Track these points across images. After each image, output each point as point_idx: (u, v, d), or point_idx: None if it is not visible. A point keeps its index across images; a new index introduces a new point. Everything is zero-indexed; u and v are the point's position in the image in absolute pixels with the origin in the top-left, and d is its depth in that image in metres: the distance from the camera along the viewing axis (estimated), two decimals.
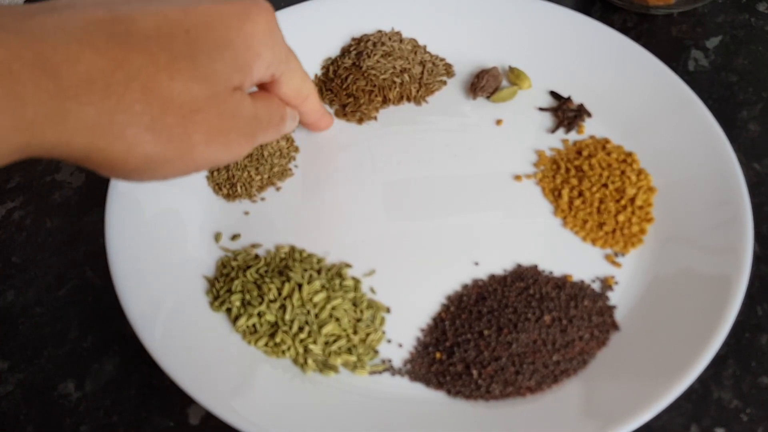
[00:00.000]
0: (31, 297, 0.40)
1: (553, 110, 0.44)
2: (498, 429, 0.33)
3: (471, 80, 0.46)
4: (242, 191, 0.41)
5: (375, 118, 0.45)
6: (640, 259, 0.38)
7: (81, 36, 0.25)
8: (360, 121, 0.44)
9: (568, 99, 0.44)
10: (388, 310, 0.37)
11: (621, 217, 0.39)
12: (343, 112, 0.45)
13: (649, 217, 0.39)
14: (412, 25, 0.47)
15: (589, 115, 0.44)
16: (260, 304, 0.36)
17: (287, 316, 0.35)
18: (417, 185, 0.41)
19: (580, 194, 0.40)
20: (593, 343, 0.35)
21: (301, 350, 0.35)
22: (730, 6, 0.51)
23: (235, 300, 0.36)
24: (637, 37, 0.48)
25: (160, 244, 0.38)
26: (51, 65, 0.24)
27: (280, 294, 0.36)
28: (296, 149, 0.43)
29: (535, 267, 0.38)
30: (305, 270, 0.37)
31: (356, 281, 0.38)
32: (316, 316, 0.36)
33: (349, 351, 0.35)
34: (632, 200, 0.40)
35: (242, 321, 0.36)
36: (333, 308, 0.36)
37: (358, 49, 0.46)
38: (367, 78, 0.45)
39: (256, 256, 0.39)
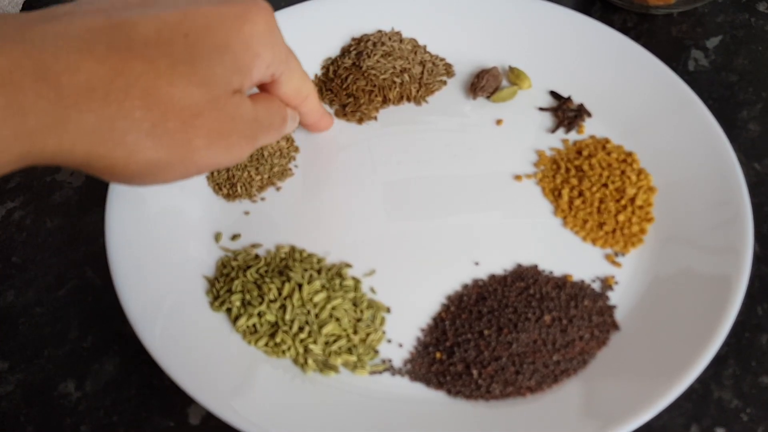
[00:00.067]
0: (31, 297, 0.40)
1: (553, 110, 0.44)
2: (498, 429, 0.33)
3: (471, 80, 0.46)
4: (242, 191, 0.41)
5: (375, 118, 0.45)
6: (640, 259, 0.38)
7: (81, 44, 0.25)
8: (360, 121, 0.44)
9: (568, 99, 0.44)
10: (388, 310, 0.37)
11: (621, 217, 0.39)
12: (343, 112, 0.45)
13: (649, 216, 0.39)
14: (412, 25, 0.47)
15: (589, 115, 0.44)
16: (260, 304, 0.36)
17: (287, 316, 0.35)
18: (417, 185, 0.42)
19: (580, 194, 0.40)
20: (593, 343, 0.35)
21: (301, 350, 0.35)
22: (730, 6, 0.51)
23: (236, 300, 0.36)
24: (637, 37, 0.48)
25: (160, 244, 0.38)
26: (51, 74, 0.24)
27: (280, 294, 0.36)
28: (296, 149, 0.43)
29: (535, 267, 0.38)
30: (305, 270, 0.37)
31: (356, 281, 0.38)
32: (317, 316, 0.36)
33: (350, 351, 0.35)
34: (632, 200, 0.40)
35: (242, 321, 0.36)
36: (333, 308, 0.36)
37: (358, 49, 0.46)
38: (367, 78, 0.45)
39: (257, 256, 0.39)
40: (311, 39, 0.46)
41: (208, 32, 0.28)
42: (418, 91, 0.45)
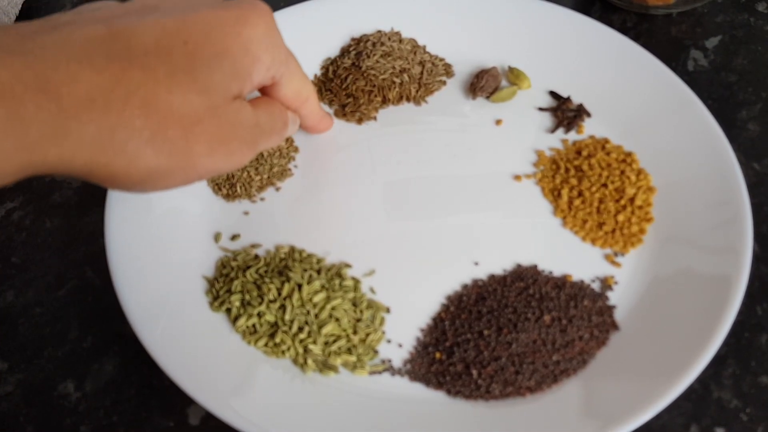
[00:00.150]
0: (31, 297, 0.40)
1: (553, 110, 0.44)
2: (498, 429, 0.33)
3: (470, 80, 0.46)
4: (242, 191, 0.41)
5: (374, 118, 0.45)
6: (639, 259, 0.38)
7: (80, 55, 0.25)
8: (359, 121, 0.44)
9: (568, 99, 0.44)
10: (387, 310, 0.37)
11: (620, 217, 0.39)
12: (342, 113, 0.45)
13: (648, 216, 0.39)
14: (412, 25, 0.47)
15: (588, 115, 0.44)
16: (260, 304, 0.36)
17: (287, 317, 0.35)
18: (417, 185, 0.42)
19: (580, 194, 0.40)
20: (593, 343, 0.35)
21: (300, 350, 0.35)
22: (729, 6, 0.51)
23: (235, 300, 0.36)
24: (637, 37, 0.48)
25: (160, 244, 0.38)
26: (52, 86, 0.24)
27: (279, 294, 0.36)
28: (296, 149, 0.43)
29: (534, 267, 0.38)
30: (305, 270, 0.37)
31: (356, 281, 0.38)
32: (316, 316, 0.36)
33: (349, 351, 0.35)
34: (632, 200, 0.40)
35: (242, 321, 0.36)
36: (333, 308, 0.36)
37: (358, 49, 0.46)
38: (366, 78, 0.45)
39: (256, 256, 0.39)
40: (311, 39, 0.46)
41: (208, 38, 0.28)
42: (417, 92, 0.45)
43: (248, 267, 0.37)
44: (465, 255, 0.39)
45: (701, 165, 0.39)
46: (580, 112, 0.44)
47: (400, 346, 0.36)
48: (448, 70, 0.46)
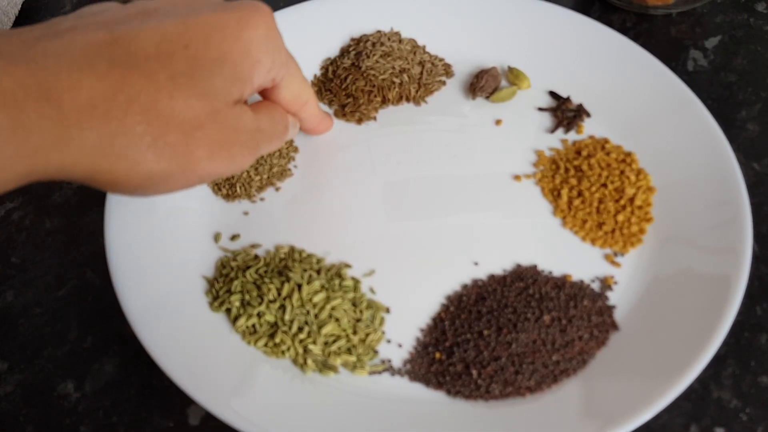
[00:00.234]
0: (31, 297, 0.40)
1: (553, 110, 0.44)
2: (498, 429, 0.33)
3: (470, 80, 0.46)
4: (241, 191, 0.41)
5: (374, 118, 0.45)
6: (639, 259, 0.38)
7: (82, 62, 0.25)
8: (359, 121, 0.44)
9: (567, 99, 0.44)
10: (387, 311, 0.37)
11: (620, 217, 0.39)
12: (342, 113, 0.45)
13: (648, 216, 0.39)
14: (411, 26, 0.47)
15: (588, 115, 0.44)
16: (260, 304, 0.36)
17: (287, 317, 0.35)
18: (416, 185, 0.42)
19: (580, 194, 0.40)
20: (593, 343, 0.35)
21: (300, 350, 0.35)
22: (728, 6, 0.51)
23: (235, 300, 0.36)
24: (636, 37, 0.48)
25: (160, 245, 0.38)
26: (53, 93, 0.24)
27: (279, 294, 0.36)
28: (295, 149, 0.43)
29: (534, 267, 0.38)
30: (305, 270, 0.37)
31: (356, 281, 0.38)
32: (316, 316, 0.36)
33: (349, 351, 0.35)
34: (631, 200, 0.40)
35: (242, 321, 0.36)
36: (332, 308, 0.36)
37: (357, 49, 0.46)
38: (366, 78, 0.45)
39: (256, 257, 0.39)
40: (310, 39, 0.46)
41: (208, 42, 0.28)
42: (417, 92, 0.45)
43: (248, 267, 0.37)
44: (465, 255, 0.39)
45: (701, 165, 0.39)
46: (580, 112, 0.44)
47: (400, 346, 0.36)
48: (447, 70, 0.46)
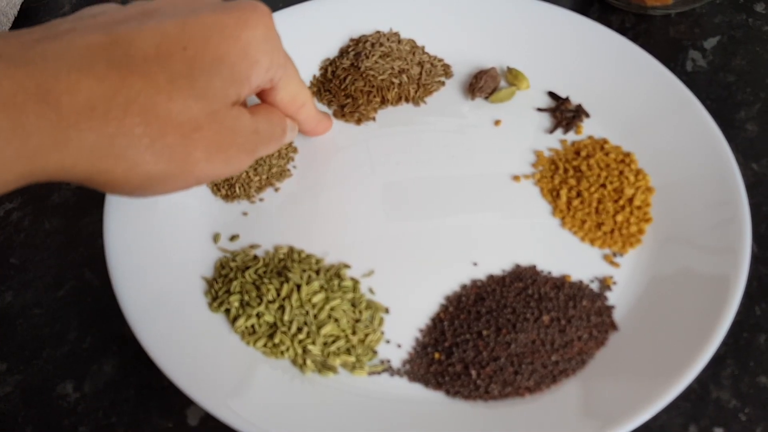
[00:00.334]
0: (30, 298, 0.40)
1: (552, 111, 0.44)
2: (497, 429, 0.33)
3: (469, 81, 0.46)
4: (241, 192, 0.41)
5: (373, 118, 0.45)
6: (638, 259, 0.38)
7: (81, 63, 0.25)
8: (358, 121, 0.44)
9: (567, 99, 0.44)
10: (386, 311, 0.37)
11: (619, 218, 0.39)
12: (341, 113, 0.45)
13: (647, 217, 0.39)
14: (411, 26, 0.47)
15: (587, 115, 0.44)
16: (259, 304, 0.36)
17: (286, 317, 0.35)
18: (415, 186, 0.42)
19: (579, 194, 0.40)
20: (592, 343, 0.35)
21: (299, 351, 0.35)
22: (727, 6, 0.51)
23: (234, 301, 0.36)
24: (635, 38, 0.48)
25: (159, 245, 0.38)
26: (52, 95, 0.24)
27: (278, 295, 0.36)
28: (294, 150, 0.43)
29: (533, 267, 0.38)
30: (304, 271, 0.37)
31: (355, 282, 0.38)
32: (315, 316, 0.36)
33: (348, 351, 0.35)
34: (630, 200, 0.40)
35: (241, 322, 0.36)
36: (332, 309, 0.36)
37: (357, 49, 0.46)
38: (365, 79, 0.45)
39: (255, 257, 0.39)
40: (309, 40, 0.46)
41: (207, 43, 0.28)
42: (416, 92, 0.45)
43: (247, 267, 0.37)
44: (464, 255, 0.39)
45: (700, 165, 0.39)
46: (579, 113, 0.44)
47: (399, 346, 0.36)
48: (446, 71, 0.46)
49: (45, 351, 0.38)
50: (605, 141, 0.43)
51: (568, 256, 0.39)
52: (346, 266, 0.38)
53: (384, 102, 0.45)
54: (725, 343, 0.36)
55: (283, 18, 0.45)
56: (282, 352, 0.35)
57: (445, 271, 0.38)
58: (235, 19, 0.29)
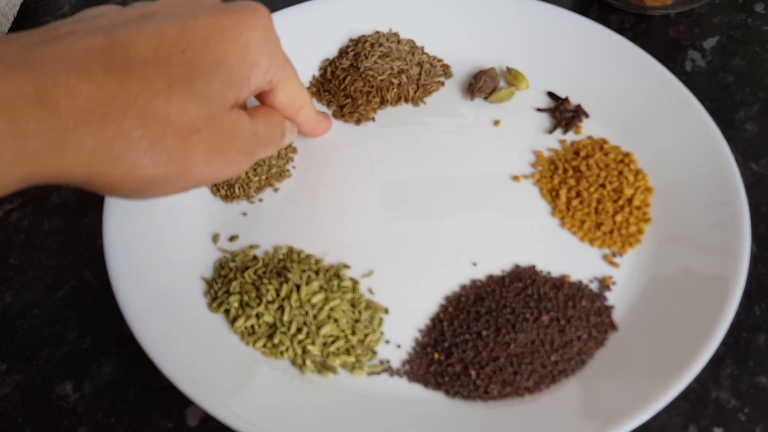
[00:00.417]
0: (29, 298, 0.40)
1: (551, 111, 0.44)
2: (496, 429, 0.33)
3: (468, 81, 0.46)
4: (240, 192, 0.41)
5: (373, 119, 0.45)
6: (637, 260, 0.38)
7: (80, 67, 0.25)
8: (358, 122, 0.44)
9: (566, 100, 0.44)
10: (386, 311, 0.37)
11: (619, 218, 0.39)
12: (340, 113, 0.45)
13: (646, 217, 0.39)
14: (410, 26, 0.47)
15: (586, 115, 0.44)
16: (258, 305, 0.36)
17: (285, 317, 0.35)
18: (415, 186, 0.42)
19: (578, 195, 0.40)
20: (591, 344, 0.35)
21: (299, 351, 0.35)
22: (727, 7, 0.51)
23: (234, 301, 0.36)
24: (635, 38, 0.48)
25: (158, 246, 0.38)
26: (51, 99, 0.24)
27: (278, 295, 0.36)
28: (294, 150, 0.43)
29: (533, 267, 0.38)
30: (303, 271, 0.37)
31: (354, 282, 0.38)
32: (315, 317, 0.36)
33: (348, 352, 0.35)
34: (630, 200, 0.40)
35: (240, 322, 0.36)
36: (331, 309, 0.36)
37: (356, 50, 0.46)
38: (364, 79, 0.45)
39: (254, 257, 0.39)
40: (309, 40, 0.46)
41: (206, 46, 0.28)
42: (415, 92, 0.45)
43: (247, 268, 0.37)
44: (463, 255, 0.39)
45: (699, 165, 0.39)
46: (578, 113, 0.44)
47: (399, 346, 0.36)
48: (446, 71, 0.46)
49: (44, 351, 0.38)
50: (604, 141, 0.43)
51: (568, 256, 0.39)
52: (346, 266, 0.38)
53: (383, 102, 0.45)
54: (725, 343, 0.36)
55: (282, 18, 0.45)
56: (281, 353, 0.35)
57: (445, 271, 0.38)
58: (234, 20, 0.29)
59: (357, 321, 0.36)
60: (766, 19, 0.51)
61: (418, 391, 0.35)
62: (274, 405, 0.33)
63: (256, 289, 0.36)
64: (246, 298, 0.36)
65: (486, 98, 0.45)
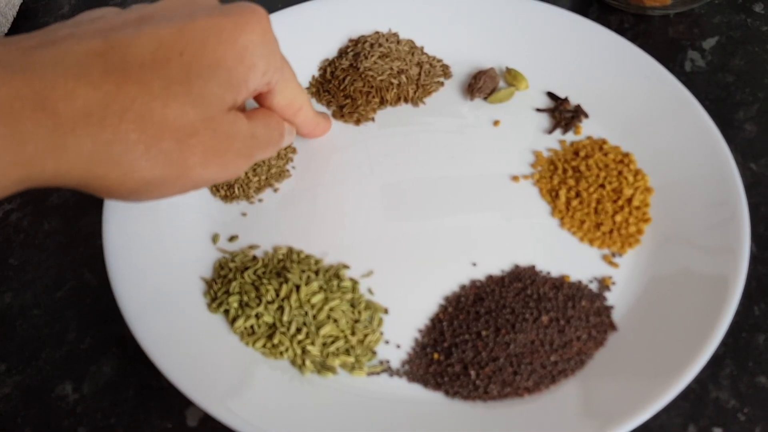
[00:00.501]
0: (29, 299, 0.40)
1: (551, 111, 0.44)
2: (496, 429, 0.33)
3: (468, 81, 0.46)
4: (240, 193, 0.41)
5: (372, 119, 0.45)
6: (637, 260, 0.38)
7: (77, 70, 0.25)
8: (357, 122, 0.44)
9: (565, 100, 0.44)
10: (386, 311, 0.37)
11: (618, 218, 0.39)
12: (340, 114, 0.45)
13: (646, 217, 0.39)
14: (410, 26, 0.47)
15: (586, 115, 0.44)
16: (258, 305, 0.36)
17: (285, 318, 0.35)
18: (415, 186, 0.42)
19: (578, 195, 0.40)
20: (591, 344, 0.35)
21: (299, 351, 0.35)
22: (726, 7, 0.51)
23: (233, 301, 0.36)
24: (634, 38, 0.48)
25: (158, 246, 0.38)
26: (49, 102, 0.24)
27: (278, 295, 0.36)
28: (294, 150, 0.43)
29: (532, 267, 0.38)
30: (303, 271, 0.37)
31: (354, 282, 0.38)
32: (314, 317, 0.36)
33: (347, 352, 0.35)
34: (629, 200, 0.40)
35: (240, 322, 0.36)
36: (331, 309, 0.36)
37: (356, 50, 0.46)
38: (364, 79, 0.45)
39: (254, 258, 0.39)
40: (308, 40, 0.46)
41: (204, 48, 0.28)
42: (415, 92, 0.45)
43: (246, 268, 0.37)
44: (463, 256, 0.39)
45: (699, 165, 0.39)
46: (578, 113, 0.44)
47: (399, 346, 0.36)
48: (445, 71, 0.46)
49: (44, 352, 0.38)
50: (604, 141, 0.43)
51: (567, 257, 0.39)
52: (345, 267, 0.38)
53: (383, 102, 0.45)
54: (724, 343, 0.36)
55: (282, 19, 0.45)
56: (281, 353, 0.35)
57: (444, 271, 0.38)
58: (232, 23, 0.29)
59: (357, 321, 0.36)
60: (765, 19, 0.51)
61: (417, 392, 0.35)
62: (273, 405, 0.33)
63: (255, 289, 0.36)
64: (245, 298, 0.36)
65: (485, 98, 0.45)
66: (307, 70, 0.46)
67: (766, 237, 0.41)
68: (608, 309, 0.37)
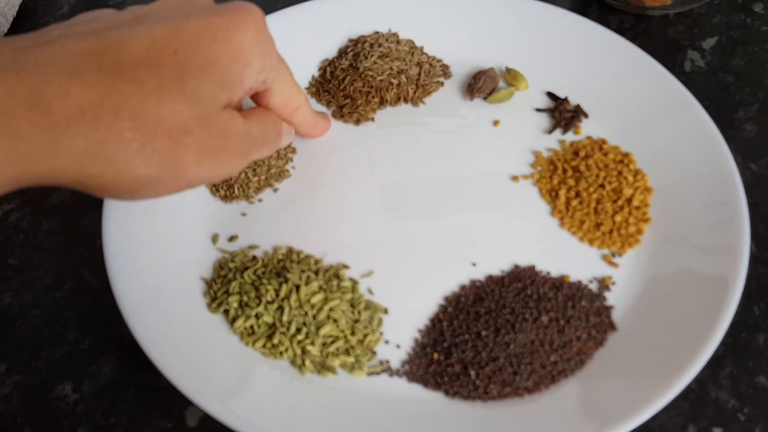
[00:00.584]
0: (29, 299, 0.40)
1: (550, 111, 0.44)
2: (496, 429, 0.33)
3: (468, 81, 0.46)
4: (239, 193, 0.41)
5: (372, 119, 0.45)
6: (637, 260, 0.38)
7: (71, 69, 0.26)
8: (357, 122, 0.44)
9: (565, 100, 0.44)
10: (385, 311, 0.37)
11: (618, 218, 0.39)
12: (340, 114, 0.45)
13: (646, 217, 0.39)
14: (409, 26, 0.47)
15: (586, 115, 0.44)
16: (258, 305, 0.36)
17: (285, 318, 0.35)
18: (414, 186, 0.42)
19: (577, 195, 0.40)
20: (591, 344, 0.35)
21: (298, 351, 0.35)
22: (726, 7, 0.51)
23: (233, 301, 0.36)
24: (634, 38, 0.49)
25: (158, 246, 0.38)
26: (43, 101, 0.24)
27: (277, 295, 0.36)
28: (293, 150, 0.43)
29: (532, 267, 0.38)
30: (303, 271, 0.37)
31: (354, 282, 0.38)
32: (314, 317, 0.36)
33: (347, 352, 0.35)
34: (629, 200, 0.40)
35: (240, 322, 0.36)
36: (331, 309, 0.36)
37: (355, 50, 0.46)
38: (364, 79, 0.45)
39: (254, 258, 0.39)
40: (308, 40, 0.46)
41: (198, 47, 0.28)
42: (415, 93, 0.45)
43: (246, 268, 0.37)
44: (463, 256, 0.39)
45: (698, 165, 0.39)
46: (578, 113, 0.44)
47: (398, 346, 0.36)
48: (445, 71, 0.46)
49: (44, 352, 0.38)
50: (604, 141, 0.43)
51: (567, 257, 0.39)
52: (345, 267, 0.38)
53: (383, 102, 0.45)
54: (724, 343, 0.36)
55: (281, 19, 0.45)
56: (281, 353, 0.35)
57: (444, 271, 0.38)
58: (227, 21, 0.29)
59: (356, 321, 0.36)
60: (765, 19, 0.51)
61: (417, 392, 0.35)
62: (273, 405, 0.33)
63: (255, 289, 0.36)
64: (245, 298, 0.36)
65: (485, 98, 0.45)
66: (306, 70, 0.46)
67: (766, 237, 0.41)
68: (608, 309, 0.37)
